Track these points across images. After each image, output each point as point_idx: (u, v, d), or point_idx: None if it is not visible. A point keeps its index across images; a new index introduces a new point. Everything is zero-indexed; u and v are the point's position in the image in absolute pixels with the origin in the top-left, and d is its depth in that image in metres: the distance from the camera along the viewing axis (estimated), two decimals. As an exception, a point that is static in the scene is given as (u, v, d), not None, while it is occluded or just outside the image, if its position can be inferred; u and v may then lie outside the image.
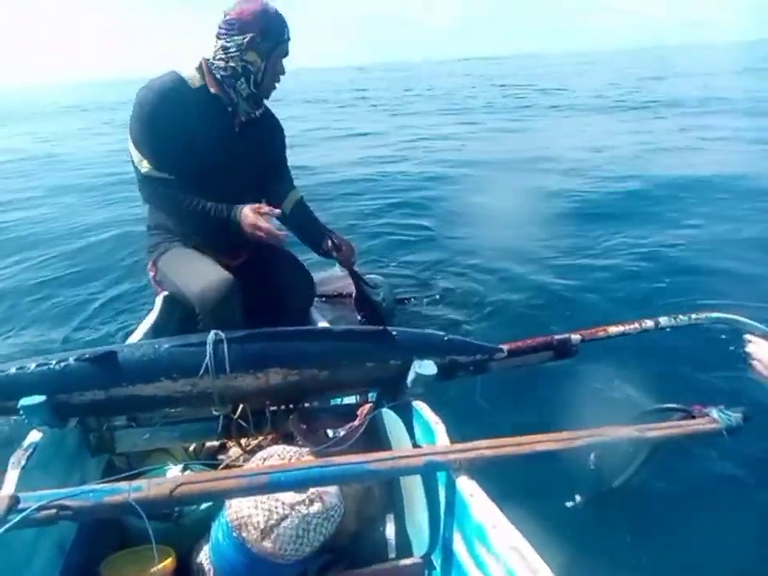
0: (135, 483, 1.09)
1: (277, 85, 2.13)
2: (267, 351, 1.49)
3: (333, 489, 1.33)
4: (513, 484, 1.37)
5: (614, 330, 1.70)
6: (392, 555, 1.43)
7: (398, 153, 9.29)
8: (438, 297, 3.63)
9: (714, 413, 1.32)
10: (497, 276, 3.89)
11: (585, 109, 13.66)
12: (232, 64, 2.00)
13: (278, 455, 1.41)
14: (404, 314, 3.34)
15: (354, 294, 2.57)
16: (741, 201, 5.18)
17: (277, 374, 1.48)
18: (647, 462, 1.33)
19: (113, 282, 4.18)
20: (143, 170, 1.97)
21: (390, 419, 1.54)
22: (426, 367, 1.49)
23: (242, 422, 1.59)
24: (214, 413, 1.56)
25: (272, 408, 1.60)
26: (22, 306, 3.89)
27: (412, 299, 3.61)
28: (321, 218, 2.31)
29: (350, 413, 1.63)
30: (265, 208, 1.93)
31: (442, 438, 1.36)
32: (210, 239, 2.13)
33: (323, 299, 3.18)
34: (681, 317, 1.73)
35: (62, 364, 1.39)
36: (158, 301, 2.28)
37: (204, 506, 1.47)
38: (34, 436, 1.38)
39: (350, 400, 1.78)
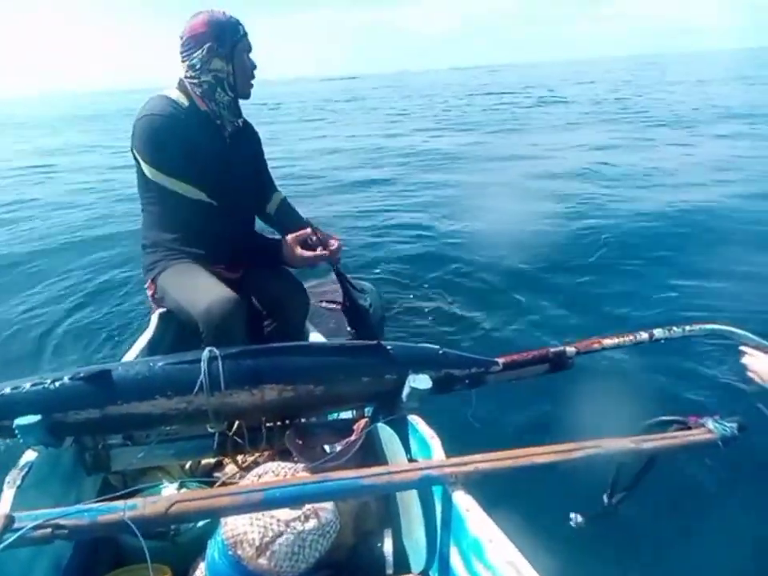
0: (130, 502, 1.09)
1: (253, 82, 2.19)
2: (262, 367, 1.49)
3: (328, 505, 1.33)
4: (509, 498, 1.37)
5: (608, 342, 1.71)
6: (389, 571, 1.42)
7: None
8: (432, 307, 3.64)
9: (710, 423, 1.33)
10: (495, 287, 3.90)
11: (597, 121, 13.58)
12: (204, 78, 2.09)
13: (273, 472, 1.40)
14: (397, 323, 3.35)
15: (342, 300, 2.56)
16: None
17: (272, 390, 1.47)
18: (644, 475, 1.33)
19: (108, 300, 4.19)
20: (192, 196, 2.05)
21: (386, 434, 1.54)
22: (421, 381, 1.49)
23: (237, 439, 1.58)
24: (210, 430, 1.55)
25: (268, 424, 1.60)
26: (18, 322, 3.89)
27: (402, 306, 3.64)
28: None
29: (345, 428, 1.63)
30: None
31: (437, 452, 1.36)
32: (210, 254, 2.16)
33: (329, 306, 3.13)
34: (675, 329, 1.74)
35: (57, 383, 1.39)
36: (154, 318, 2.29)
37: (200, 523, 1.47)
38: (30, 455, 1.37)
39: (346, 415, 1.78)
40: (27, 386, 1.38)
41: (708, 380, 2.40)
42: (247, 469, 1.65)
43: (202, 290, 1.96)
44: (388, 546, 1.48)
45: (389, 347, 1.55)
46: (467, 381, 1.61)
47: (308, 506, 1.28)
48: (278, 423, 1.61)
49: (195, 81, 2.10)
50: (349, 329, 2.55)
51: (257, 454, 1.70)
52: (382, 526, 1.51)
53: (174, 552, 1.40)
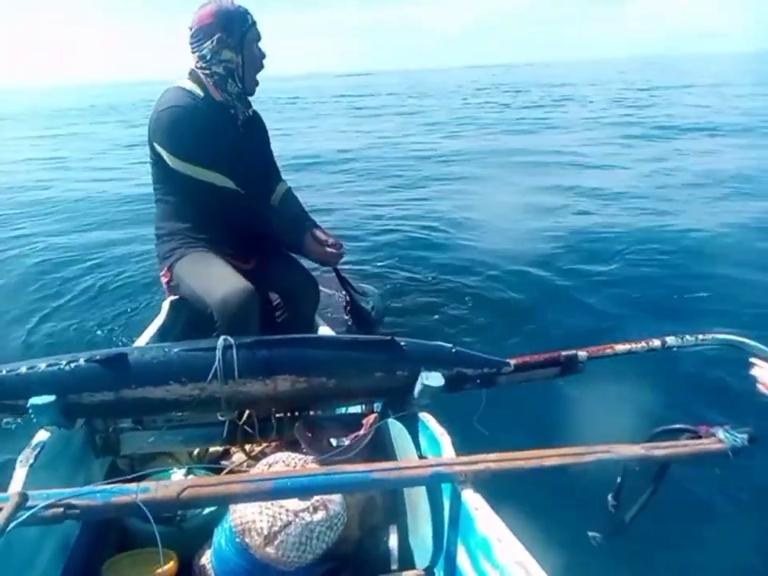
0: (143, 484, 1.09)
1: (261, 74, 2.22)
2: (276, 358, 1.50)
3: (337, 497, 1.33)
4: (518, 499, 1.36)
5: (620, 347, 1.70)
6: (394, 567, 1.43)
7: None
8: (442, 307, 3.64)
9: (720, 433, 1.32)
10: (507, 285, 3.90)
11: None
12: (215, 69, 2.11)
13: (284, 462, 1.41)
14: (406, 322, 3.36)
15: (345, 301, 2.63)
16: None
17: (285, 381, 1.48)
18: (659, 485, 1.32)
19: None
20: (223, 184, 2.09)
21: (396, 429, 1.55)
22: (433, 379, 1.49)
23: (247, 428, 1.59)
24: (220, 418, 1.56)
25: (278, 415, 1.60)
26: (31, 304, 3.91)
27: (412, 305, 3.66)
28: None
29: (354, 422, 1.63)
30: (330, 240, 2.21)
31: (447, 449, 1.36)
32: (226, 244, 2.18)
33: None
34: (688, 337, 1.73)
35: (73, 365, 1.40)
36: (165, 305, 2.30)
37: (207, 510, 1.47)
38: (42, 435, 1.39)
39: (355, 409, 1.79)
40: (43, 366, 1.39)
41: (718, 390, 2.39)
42: (255, 458, 1.66)
43: (218, 280, 1.98)
44: (393, 542, 1.48)
45: (402, 343, 1.56)
46: (479, 380, 1.61)
47: (317, 498, 1.28)
48: (288, 414, 1.61)
49: (207, 71, 2.12)
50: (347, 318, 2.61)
51: (264, 444, 1.71)
52: (388, 521, 1.52)
53: (180, 538, 1.41)
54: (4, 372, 1.40)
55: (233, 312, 1.86)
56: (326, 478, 1.17)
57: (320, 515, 1.28)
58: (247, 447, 1.68)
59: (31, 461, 1.29)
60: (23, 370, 1.39)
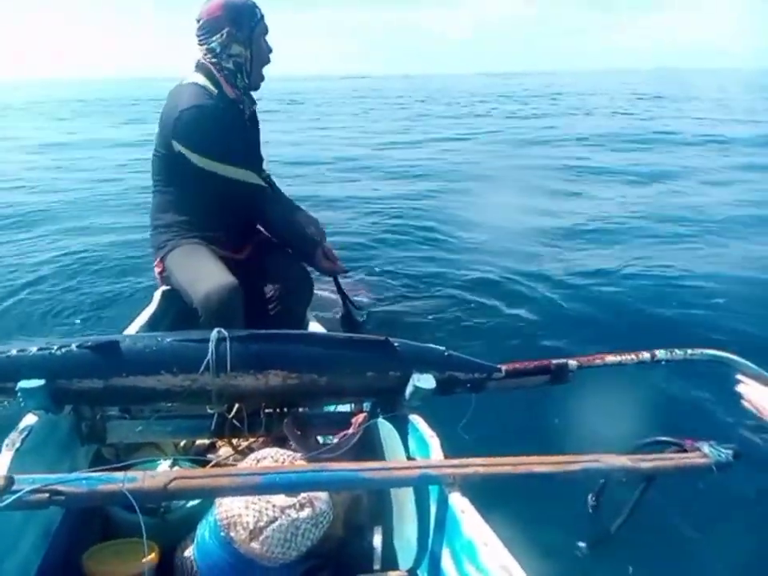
0: (130, 474, 1.08)
1: (264, 71, 2.24)
2: (269, 353, 1.49)
3: (323, 495, 1.33)
4: (504, 504, 1.37)
5: (610, 359, 1.72)
6: (377, 567, 1.43)
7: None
8: (437, 311, 3.65)
9: (705, 448, 1.33)
10: (500, 293, 3.92)
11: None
12: (225, 64, 2.11)
13: (272, 457, 1.40)
14: (401, 323, 3.37)
15: (339, 314, 2.75)
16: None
17: (277, 377, 1.48)
18: (643, 496, 1.34)
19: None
20: (251, 181, 2.16)
21: (386, 430, 1.55)
22: (425, 381, 1.49)
23: (236, 422, 1.58)
24: (209, 411, 1.55)
25: (267, 410, 1.60)
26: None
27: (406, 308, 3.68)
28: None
29: (343, 421, 1.63)
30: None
31: (436, 452, 1.37)
32: (220, 235, 2.20)
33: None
34: (677, 351, 1.75)
35: (64, 350, 1.39)
36: (156, 295, 2.30)
37: (191, 503, 1.47)
38: (30, 419, 1.37)
39: (344, 408, 1.79)
40: (34, 350, 1.38)
41: (704, 404, 2.41)
42: (242, 453, 1.65)
43: (203, 275, 1.99)
44: (377, 542, 1.48)
45: (395, 344, 1.56)
46: (469, 385, 1.61)
47: (304, 495, 1.28)
48: (277, 410, 1.61)
49: (218, 66, 2.12)
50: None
51: (252, 439, 1.70)
52: (372, 521, 1.52)
53: (164, 529, 1.40)
54: None
55: (215, 308, 1.87)
56: (314, 475, 1.17)
57: (306, 512, 1.27)
58: (234, 441, 1.67)
59: (17, 444, 1.28)
60: (13, 352, 1.38)
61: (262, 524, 1.23)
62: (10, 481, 1.01)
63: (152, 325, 2.13)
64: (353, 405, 1.75)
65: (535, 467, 1.21)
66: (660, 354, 1.73)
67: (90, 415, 1.54)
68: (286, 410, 1.62)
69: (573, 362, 1.68)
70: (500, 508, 1.28)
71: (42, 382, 1.34)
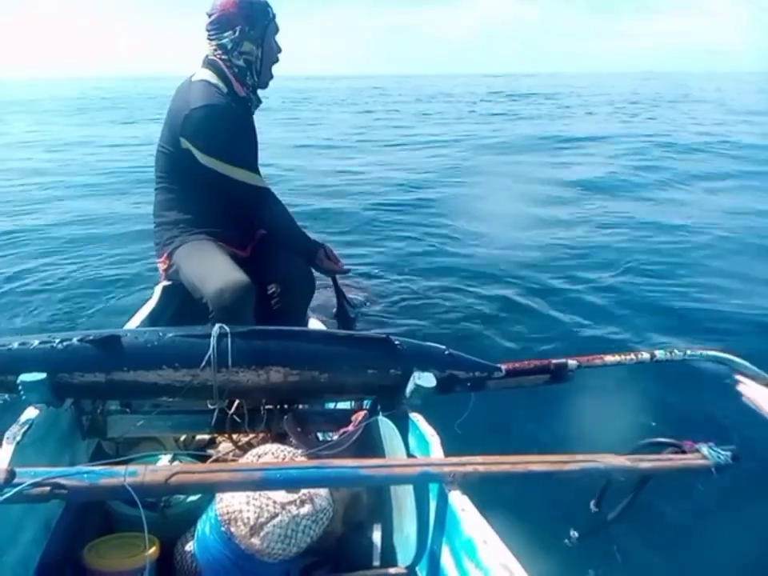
0: (131, 468, 1.09)
1: (273, 70, 2.24)
2: (270, 349, 1.50)
3: (323, 492, 1.34)
4: (503, 503, 1.38)
5: (610, 359, 1.72)
6: (376, 563, 1.43)
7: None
8: (436, 308, 3.66)
9: (705, 449, 1.34)
10: (505, 293, 3.92)
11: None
12: (236, 61, 2.11)
13: (273, 453, 1.40)
14: (401, 321, 3.38)
15: (335, 310, 2.74)
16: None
17: (278, 373, 1.48)
18: (639, 494, 1.34)
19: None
20: (257, 183, 2.17)
21: (386, 427, 1.55)
22: (425, 379, 1.50)
23: (236, 418, 1.59)
24: (210, 406, 1.56)
25: (267, 407, 1.60)
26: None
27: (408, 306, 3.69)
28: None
29: (343, 418, 1.64)
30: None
31: (436, 450, 1.37)
32: (225, 232, 2.20)
33: None
34: (676, 351, 1.75)
35: (65, 343, 1.39)
36: (157, 290, 2.30)
37: (191, 498, 1.47)
38: (31, 413, 1.37)
39: (344, 405, 1.79)
40: (35, 343, 1.38)
41: (703, 405, 2.42)
42: (242, 449, 1.65)
43: (216, 270, 1.98)
44: (376, 539, 1.49)
45: (396, 342, 1.56)
46: (469, 384, 1.62)
47: (304, 491, 1.29)
48: (278, 407, 1.61)
49: (228, 63, 2.11)
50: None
51: (252, 435, 1.71)
52: (372, 518, 1.52)
53: (164, 524, 1.40)
54: None
55: (227, 304, 1.86)
56: (315, 472, 1.17)
57: (306, 509, 1.28)
58: (235, 437, 1.68)
59: (18, 438, 1.28)
60: (15, 345, 1.38)
61: (262, 520, 1.24)
62: (11, 474, 1.02)
63: (152, 320, 2.13)
64: (353, 402, 1.76)
65: (534, 466, 1.21)
66: (659, 354, 1.73)
67: (91, 409, 1.54)
68: (286, 406, 1.62)
69: (572, 362, 1.69)
70: (499, 506, 1.28)
71: (43, 375, 1.34)
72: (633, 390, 2.28)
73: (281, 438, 1.63)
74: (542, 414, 2.25)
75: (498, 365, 1.64)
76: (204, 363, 1.41)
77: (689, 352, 1.76)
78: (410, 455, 1.48)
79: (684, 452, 1.36)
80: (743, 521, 1.86)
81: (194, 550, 1.36)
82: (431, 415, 1.51)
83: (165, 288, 2.29)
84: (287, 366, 1.48)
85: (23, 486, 1.00)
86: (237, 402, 1.58)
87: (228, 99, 2.10)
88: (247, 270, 2.00)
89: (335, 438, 1.57)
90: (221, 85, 2.11)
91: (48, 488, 1.03)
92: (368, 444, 1.57)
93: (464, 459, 1.22)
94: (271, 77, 2.23)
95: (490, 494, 1.25)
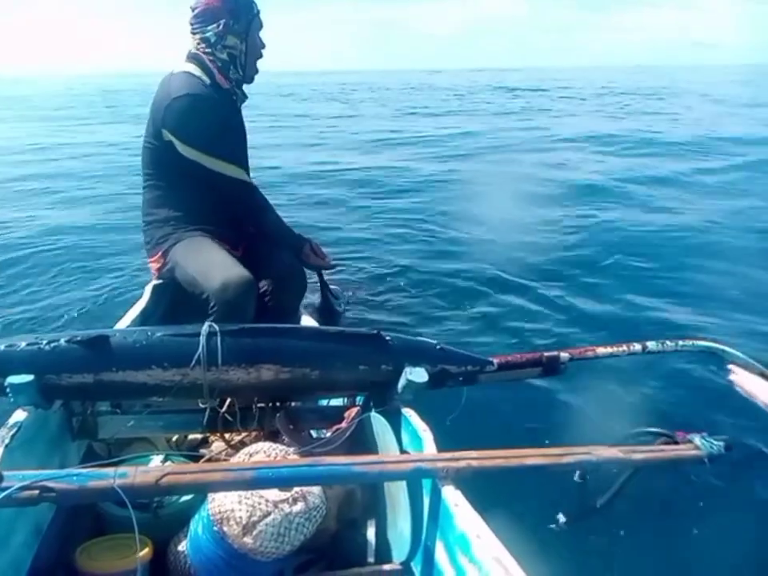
0: (121, 469, 1.08)
1: (259, 64, 2.23)
2: (260, 347, 1.49)
3: (316, 489, 1.33)
4: (497, 497, 1.38)
5: (602, 350, 1.72)
6: (371, 560, 1.43)
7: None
8: (423, 304, 3.65)
9: (697, 440, 1.34)
10: (493, 288, 3.92)
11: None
12: (219, 55, 2.10)
13: (264, 452, 1.39)
14: (391, 318, 3.38)
15: (317, 302, 2.74)
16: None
17: (268, 371, 1.47)
18: (630, 482, 1.35)
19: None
20: (239, 176, 2.14)
21: (379, 424, 1.55)
22: (417, 374, 1.49)
23: (228, 417, 1.58)
24: (201, 405, 1.55)
25: (259, 404, 1.60)
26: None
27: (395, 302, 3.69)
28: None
29: (336, 414, 1.63)
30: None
31: (429, 445, 1.37)
32: (218, 230, 2.19)
33: None
34: (668, 342, 1.76)
35: (53, 345, 1.38)
36: (147, 289, 2.28)
37: (184, 498, 1.46)
38: (19, 415, 1.36)
39: (337, 402, 1.78)
40: (22, 344, 1.37)
41: (696, 395, 2.42)
42: (234, 447, 1.64)
43: (218, 266, 1.97)
44: (371, 535, 1.49)
45: (387, 338, 1.56)
46: (461, 378, 1.61)
47: (296, 489, 1.28)
48: (270, 405, 1.60)
49: (211, 57, 2.10)
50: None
51: (244, 434, 1.70)
52: (366, 514, 1.52)
53: (156, 524, 1.39)
54: None
55: (230, 298, 1.86)
56: (307, 470, 1.17)
57: (299, 506, 1.27)
58: (227, 436, 1.67)
59: (7, 441, 1.27)
60: (1, 347, 1.37)
61: (254, 519, 1.23)
62: (-1, 478, 1.01)
63: (144, 319, 2.12)
64: (345, 399, 1.75)
65: (527, 459, 1.21)
66: (651, 345, 1.74)
67: (81, 410, 1.53)
68: (278, 404, 1.61)
69: (565, 354, 1.69)
70: (493, 500, 1.28)
71: (31, 377, 1.33)
72: (625, 382, 2.29)
73: (273, 436, 1.63)
74: (534, 406, 2.25)
75: (490, 358, 1.64)
76: (194, 362, 1.41)
77: (680, 343, 1.77)
78: (402, 451, 1.47)
79: (676, 442, 1.37)
80: (736, 510, 1.87)
81: (187, 550, 1.35)
82: (424, 410, 1.51)
83: (155, 287, 2.27)
84: (278, 364, 1.47)
85: (11, 489, 0.99)
86: (228, 400, 1.57)
87: (210, 90, 2.08)
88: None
89: (328, 434, 1.56)
90: (203, 77, 2.09)
91: (37, 491, 1.02)
92: (361, 440, 1.57)
93: (457, 454, 1.22)
94: (256, 71, 2.22)
95: (483, 489, 1.24)
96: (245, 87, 2.27)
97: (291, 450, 1.44)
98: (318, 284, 2.69)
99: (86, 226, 5.24)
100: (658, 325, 3.21)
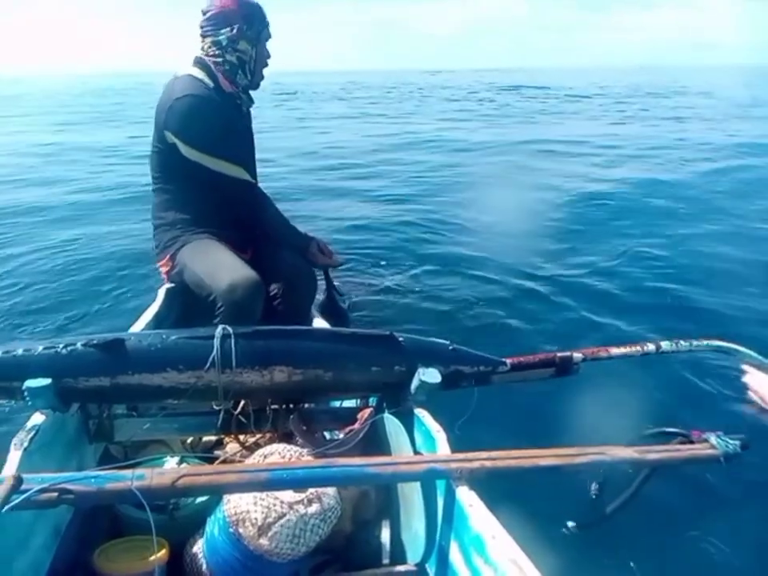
0: (138, 471, 1.09)
1: (265, 72, 2.24)
2: (274, 349, 1.50)
3: (331, 490, 1.33)
4: (511, 497, 1.37)
5: (615, 351, 1.72)
6: (386, 561, 1.43)
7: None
8: (436, 302, 3.65)
9: (713, 439, 1.33)
10: (504, 287, 3.91)
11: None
12: (229, 58, 2.12)
13: (279, 453, 1.40)
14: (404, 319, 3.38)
15: (322, 299, 2.71)
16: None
17: (282, 373, 1.48)
18: (644, 484, 1.34)
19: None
20: (241, 176, 2.13)
21: (392, 425, 1.55)
22: (430, 375, 1.50)
23: (242, 419, 1.59)
24: (215, 407, 1.56)
25: (273, 406, 1.60)
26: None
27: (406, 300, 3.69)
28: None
29: (349, 416, 1.64)
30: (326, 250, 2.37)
31: (442, 446, 1.37)
32: (225, 233, 2.19)
33: None
34: (682, 342, 1.75)
35: (69, 348, 1.40)
36: (161, 292, 2.30)
37: (199, 499, 1.47)
38: (37, 418, 1.38)
39: (350, 403, 1.79)
40: (39, 348, 1.39)
41: (710, 395, 2.41)
42: (249, 449, 1.65)
43: (226, 267, 1.98)
44: (385, 536, 1.49)
45: (400, 339, 1.56)
46: (474, 379, 1.61)
47: (311, 490, 1.28)
48: (284, 406, 1.61)
49: (219, 60, 2.11)
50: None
51: (258, 435, 1.71)
52: (380, 516, 1.52)
53: (172, 526, 1.40)
54: (0, 353, 1.39)
55: (237, 300, 1.86)
56: (322, 471, 1.17)
57: (314, 508, 1.28)
58: (241, 438, 1.68)
59: (26, 444, 1.28)
60: (20, 351, 1.38)
61: (270, 520, 1.24)
62: (18, 480, 1.02)
63: (157, 322, 2.13)
64: (359, 400, 1.75)
65: (541, 460, 1.21)
66: (665, 345, 1.73)
67: (97, 413, 1.55)
68: (292, 405, 1.62)
69: (578, 355, 1.68)
70: (507, 501, 1.27)
71: (48, 380, 1.35)
72: (638, 382, 2.27)
73: (287, 438, 1.63)
74: (547, 407, 2.25)
75: (503, 359, 1.64)
76: (208, 365, 1.42)
77: (695, 343, 1.76)
78: (416, 452, 1.47)
79: (692, 442, 1.35)
80: (752, 510, 1.85)
81: (203, 551, 1.36)
82: (436, 411, 1.51)
83: (168, 290, 2.29)
84: (291, 366, 1.48)
85: (31, 492, 1.00)
86: (242, 402, 1.58)
87: (212, 92, 2.09)
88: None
89: (341, 436, 1.57)
90: (206, 80, 2.11)
91: (55, 494, 1.03)
92: (374, 441, 1.57)
93: (470, 455, 1.22)
94: (262, 77, 2.24)
95: (497, 489, 1.24)
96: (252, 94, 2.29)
97: (305, 451, 1.45)
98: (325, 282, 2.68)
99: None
100: (674, 324, 3.19)
